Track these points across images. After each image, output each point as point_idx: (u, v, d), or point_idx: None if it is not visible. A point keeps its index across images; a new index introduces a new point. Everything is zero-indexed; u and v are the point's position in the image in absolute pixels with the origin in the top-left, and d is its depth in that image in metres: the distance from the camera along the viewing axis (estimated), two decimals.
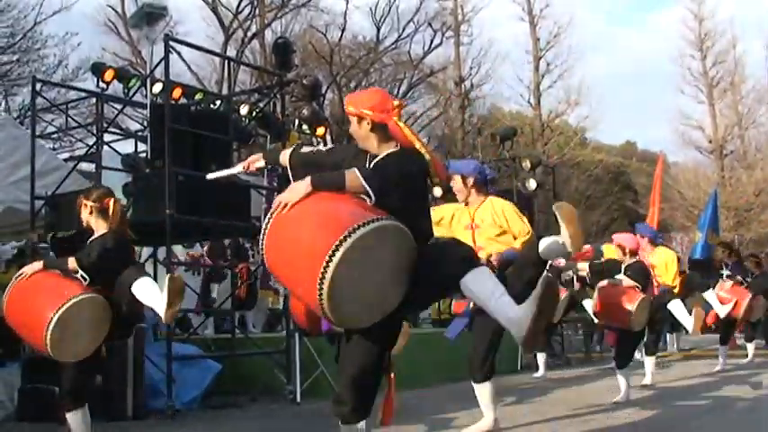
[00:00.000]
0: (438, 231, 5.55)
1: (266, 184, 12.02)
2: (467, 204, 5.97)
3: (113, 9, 25.67)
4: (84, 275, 4.74)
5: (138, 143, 10.50)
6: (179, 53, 8.96)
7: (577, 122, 33.36)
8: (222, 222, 8.57)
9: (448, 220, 6.00)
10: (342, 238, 3.05)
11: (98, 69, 9.96)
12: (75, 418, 4.82)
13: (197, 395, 8.37)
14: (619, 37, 67.32)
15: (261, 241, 3.35)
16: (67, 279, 4.74)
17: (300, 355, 8.63)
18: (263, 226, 3.34)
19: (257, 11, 26.33)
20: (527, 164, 14.97)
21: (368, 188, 3.37)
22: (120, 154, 10.17)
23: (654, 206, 15.10)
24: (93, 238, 4.93)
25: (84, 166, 9.86)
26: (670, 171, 32.55)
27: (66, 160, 10.11)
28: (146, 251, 9.49)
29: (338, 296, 3.08)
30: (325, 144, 27.13)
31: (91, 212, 4.95)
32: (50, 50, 21.31)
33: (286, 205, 3.31)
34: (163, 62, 8.38)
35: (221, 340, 10.64)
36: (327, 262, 3.02)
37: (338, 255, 3.02)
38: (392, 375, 3.79)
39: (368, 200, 3.39)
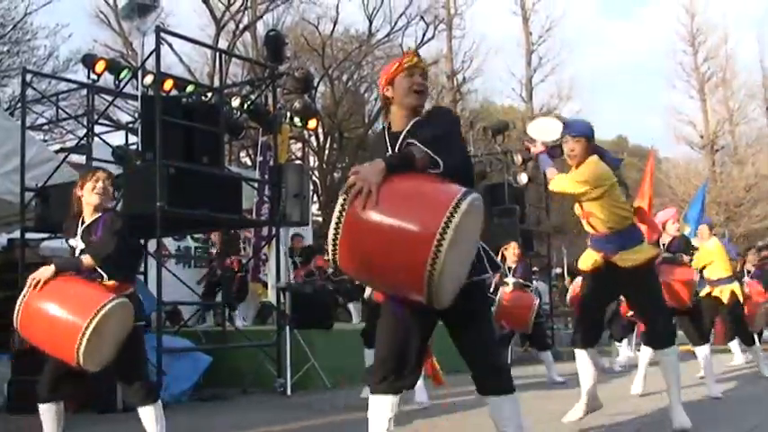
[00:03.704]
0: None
1: (258, 176, 12.03)
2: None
3: (105, 0, 25.59)
4: (103, 273, 4.53)
5: (129, 135, 10.48)
6: (170, 45, 8.96)
7: (569, 116, 33.43)
8: (213, 215, 8.56)
9: None
10: (447, 216, 2.95)
11: (89, 61, 9.92)
12: (48, 411, 4.72)
13: (187, 387, 8.38)
14: (611, 32, 67.44)
15: (332, 236, 3.09)
16: (89, 283, 4.52)
17: (291, 348, 8.64)
18: (335, 218, 3.08)
19: (249, 3, 26.24)
20: (518, 158, 14.99)
21: (433, 155, 3.21)
22: (110, 146, 10.13)
23: (642, 200, 15.11)
24: (94, 223, 4.72)
25: (75, 157, 9.82)
26: (661, 166, 32.64)
27: (56, 152, 10.07)
28: None
29: (445, 276, 3.01)
30: (317, 137, 26.95)
31: (104, 192, 4.73)
32: (41, 42, 21.25)
33: (369, 194, 3.01)
34: (154, 54, 8.36)
35: (212, 333, 10.64)
36: (440, 241, 2.92)
37: (449, 234, 2.94)
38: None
39: (435, 170, 3.24)
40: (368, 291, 7.61)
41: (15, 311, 4.44)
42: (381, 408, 3.55)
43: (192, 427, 6.67)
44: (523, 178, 14.92)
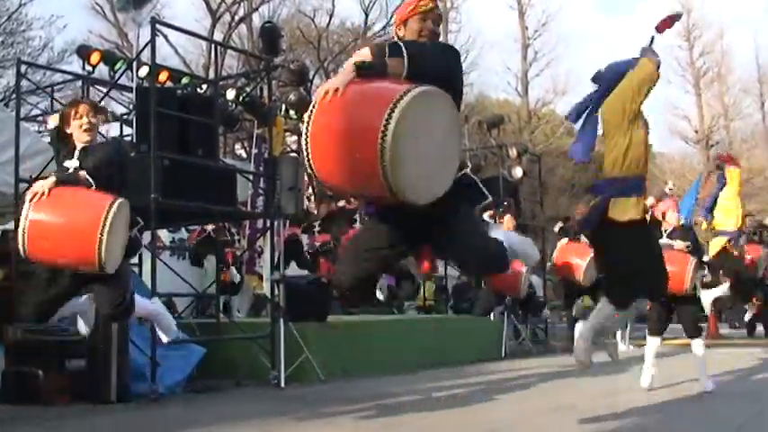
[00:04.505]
0: None
1: (253, 169, 12.02)
2: None
3: None
4: (91, 181, 4.57)
5: (124, 127, 10.45)
6: (166, 36, 8.94)
7: (564, 111, 33.43)
8: (208, 207, 8.56)
9: None
10: (396, 99, 3.10)
11: (84, 52, 9.90)
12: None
13: (181, 379, 8.37)
14: (607, 26, 67.33)
15: (304, 142, 3.28)
16: (89, 189, 4.55)
17: (285, 340, 8.65)
18: (305, 123, 3.29)
19: None
20: (514, 152, 15.04)
21: (403, 50, 3.36)
22: (105, 137, 10.12)
23: None
24: (93, 149, 4.73)
25: None
26: (656, 161, 32.70)
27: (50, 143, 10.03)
28: None
29: (400, 162, 3.11)
30: None
31: (92, 127, 4.73)
32: (36, 33, 21.13)
33: (336, 90, 3.22)
34: (149, 45, 8.35)
35: (205, 324, 10.62)
36: (384, 129, 3.06)
37: (393, 120, 3.07)
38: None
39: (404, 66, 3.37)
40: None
41: (20, 233, 4.37)
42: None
43: (185, 418, 6.68)
44: (518, 172, 14.95)
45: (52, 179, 4.46)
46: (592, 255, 7.44)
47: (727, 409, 5.81)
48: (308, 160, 3.27)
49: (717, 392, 7.12)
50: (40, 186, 4.41)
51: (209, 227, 12.28)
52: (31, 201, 4.38)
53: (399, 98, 3.10)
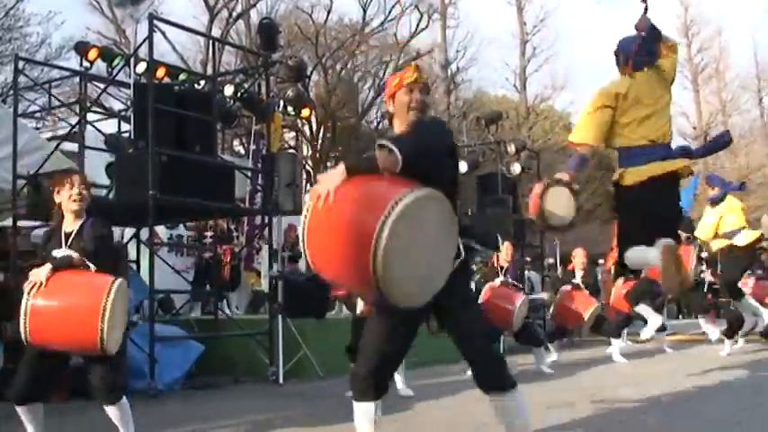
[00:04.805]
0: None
1: (251, 165, 12.01)
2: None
3: None
4: (90, 264, 4.54)
5: (122, 123, 10.45)
6: (163, 33, 8.94)
7: (563, 107, 33.52)
8: (206, 203, 8.55)
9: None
10: (389, 208, 3.09)
11: (82, 48, 9.88)
12: (27, 413, 4.75)
13: (179, 376, 8.38)
14: (605, 22, 67.26)
15: (302, 236, 3.31)
16: (86, 272, 4.53)
17: (283, 337, 8.65)
18: (302, 221, 3.31)
19: None
20: (512, 148, 15.00)
21: (393, 148, 3.32)
22: (103, 134, 10.12)
23: None
24: (80, 229, 4.75)
25: (67, 145, 9.78)
26: None
27: (48, 140, 10.02)
28: (128, 232, 9.46)
29: (392, 270, 3.12)
30: (310, 126, 26.84)
31: (82, 198, 4.78)
32: (33, 29, 21.13)
33: (327, 194, 3.23)
34: (147, 41, 8.33)
35: (204, 321, 10.63)
36: (379, 233, 3.05)
37: (387, 228, 3.06)
38: None
39: (398, 164, 3.35)
40: (359, 305, 7.50)
41: (21, 321, 4.38)
42: (365, 411, 3.72)
43: (183, 415, 6.68)
44: (516, 168, 14.92)
45: (48, 267, 4.47)
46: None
47: (727, 402, 5.82)
48: (305, 254, 3.35)
49: (717, 386, 7.13)
50: (37, 276, 4.43)
51: (207, 254, 12.29)
52: (29, 293, 4.40)
53: (390, 209, 3.10)
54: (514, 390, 3.59)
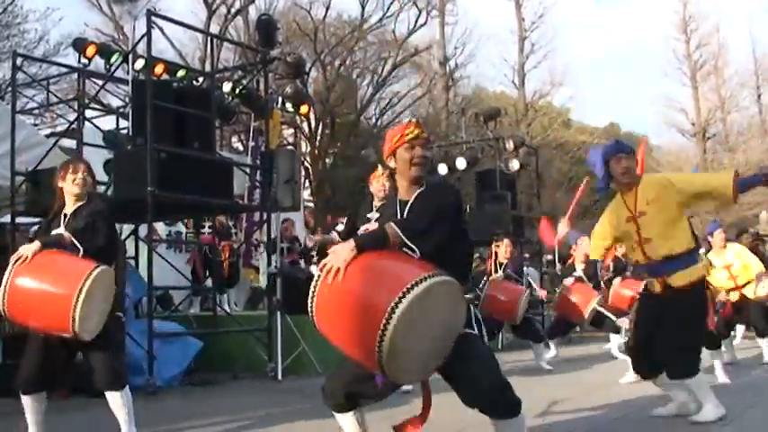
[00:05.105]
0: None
1: (249, 161, 12.01)
2: (629, 190, 5.37)
3: None
4: (80, 247, 4.59)
5: (120, 119, 10.43)
6: (161, 29, 8.88)
7: (561, 103, 33.52)
8: (204, 200, 8.55)
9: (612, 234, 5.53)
10: (400, 295, 3.07)
11: (80, 45, 9.87)
12: (31, 403, 4.77)
13: (178, 372, 8.39)
14: (604, 18, 67.26)
15: (310, 306, 3.32)
16: (72, 255, 4.59)
17: (282, 333, 8.66)
18: (311, 291, 3.30)
19: None
20: (510, 144, 15.01)
21: (409, 243, 3.37)
22: (101, 130, 10.11)
23: None
24: (78, 209, 4.78)
25: (66, 142, 9.79)
26: (652, 154, 32.71)
27: (47, 136, 10.03)
28: (127, 228, 9.46)
29: (397, 360, 3.13)
30: (309, 123, 26.82)
31: (84, 183, 4.83)
32: (32, 25, 21.07)
33: (338, 270, 3.24)
34: (145, 38, 8.33)
35: (203, 318, 10.64)
36: (387, 319, 3.03)
37: (398, 312, 3.04)
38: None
39: (413, 253, 3.38)
40: None
41: (1, 292, 4.45)
42: (341, 419, 3.86)
43: (182, 411, 6.69)
44: (515, 164, 14.94)
45: (37, 244, 4.55)
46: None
47: (727, 400, 5.80)
48: (313, 320, 3.37)
49: (717, 384, 7.12)
50: (25, 250, 4.51)
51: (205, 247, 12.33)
52: (14, 264, 4.48)
53: (400, 298, 3.07)
54: (519, 415, 3.53)
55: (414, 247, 3.38)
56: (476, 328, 3.57)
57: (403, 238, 3.38)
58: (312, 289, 3.30)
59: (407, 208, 3.65)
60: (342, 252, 3.29)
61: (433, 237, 3.45)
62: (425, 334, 3.24)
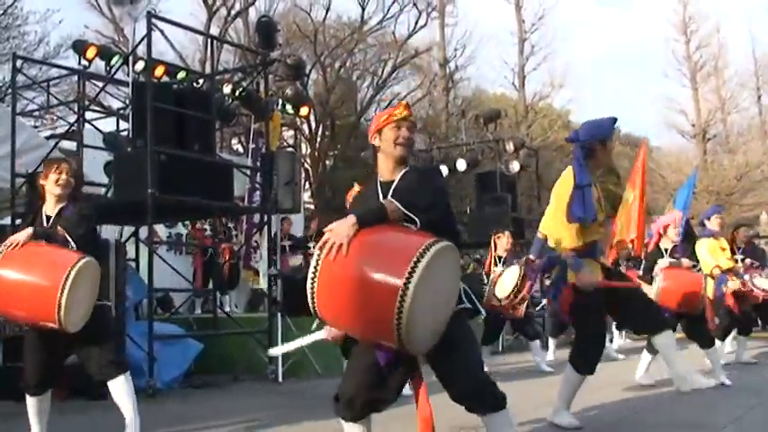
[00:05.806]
0: None
1: (249, 163, 12.00)
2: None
3: None
4: (73, 244, 4.59)
5: (120, 121, 10.44)
6: (161, 31, 8.88)
7: (561, 105, 33.53)
8: (205, 202, 8.55)
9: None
10: (412, 264, 3.04)
11: (80, 47, 9.88)
12: (35, 404, 4.77)
13: (178, 374, 8.39)
14: (604, 20, 67.33)
15: (310, 288, 3.20)
16: (60, 247, 4.59)
17: (282, 335, 8.65)
18: (311, 272, 3.20)
19: None
20: (510, 146, 15.02)
21: (410, 215, 3.34)
22: (101, 132, 10.11)
23: (633, 190, 15.08)
24: (68, 209, 4.79)
25: (66, 144, 9.79)
26: (652, 155, 32.73)
27: (47, 138, 10.03)
28: (127, 230, 9.46)
29: (416, 330, 3.09)
30: (309, 124, 26.80)
31: (67, 185, 4.81)
32: (31, 27, 21.07)
33: (340, 246, 3.16)
34: (145, 40, 8.33)
35: (203, 320, 10.64)
36: (404, 290, 3.00)
37: (413, 281, 3.01)
38: (422, 386, 3.65)
39: (413, 226, 3.36)
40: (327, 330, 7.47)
41: None
42: (359, 430, 3.71)
43: (182, 413, 6.69)
44: (515, 166, 14.94)
45: (29, 231, 4.54)
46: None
47: (727, 401, 5.81)
48: (313, 305, 3.25)
49: (716, 385, 7.12)
50: (15, 237, 4.51)
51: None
52: (5, 248, 4.48)
53: (413, 266, 3.04)
54: (505, 408, 3.54)
55: (416, 219, 3.35)
56: (466, 302, 3.59)
57: (405, 211, 3.35)
58: (312, 269, 3.19)
59: (393, 187, 3.62)
60: (342, 228, 3.22)
61: (433, 211, 3.44)
62: (435, 300, 3.23)
